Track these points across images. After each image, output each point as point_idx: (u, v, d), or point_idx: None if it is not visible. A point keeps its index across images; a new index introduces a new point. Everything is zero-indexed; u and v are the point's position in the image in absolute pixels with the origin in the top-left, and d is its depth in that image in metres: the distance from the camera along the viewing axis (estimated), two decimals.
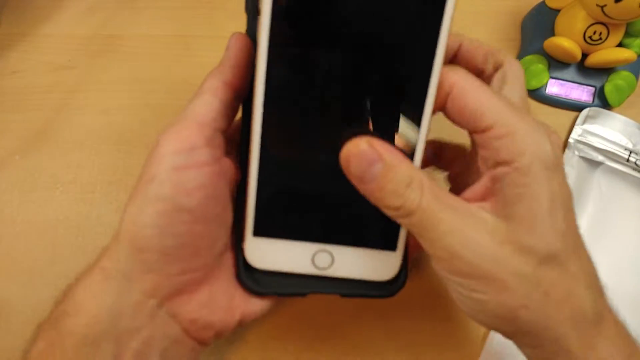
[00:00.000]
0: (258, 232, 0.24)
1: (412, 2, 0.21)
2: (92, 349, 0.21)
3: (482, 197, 0.22)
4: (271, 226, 0.24)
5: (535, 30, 0.41)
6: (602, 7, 0.34)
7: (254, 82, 0.21)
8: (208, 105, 0.23)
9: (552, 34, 0.39)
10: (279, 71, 0.21)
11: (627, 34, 0.37)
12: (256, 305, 0.25)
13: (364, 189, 0.22)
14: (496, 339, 0.31)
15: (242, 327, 0.26)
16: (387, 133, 0.22)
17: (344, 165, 0.22)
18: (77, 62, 0.40)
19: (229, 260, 0.25)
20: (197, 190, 0.22)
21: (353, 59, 0.21)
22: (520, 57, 0.40)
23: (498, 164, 0.21)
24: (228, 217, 0.24)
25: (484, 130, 0.21)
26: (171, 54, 0.40)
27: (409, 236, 0.25)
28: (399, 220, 0.22)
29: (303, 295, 0.25)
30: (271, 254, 0.24)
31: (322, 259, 0.24)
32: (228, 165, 0.24)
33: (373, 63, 0.21)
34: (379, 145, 0.21)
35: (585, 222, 0.35)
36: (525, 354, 0.23)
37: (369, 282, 0.25)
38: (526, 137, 0.20)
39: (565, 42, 0.37)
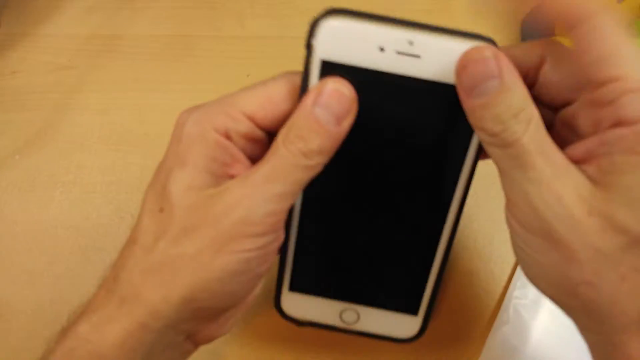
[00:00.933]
0: (293, 287, 0.27)
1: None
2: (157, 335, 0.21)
3: (583, 159, 0.19)
4: (305, 284, 0.27)
5: (535, 30, 0.40)
6: None
7: None
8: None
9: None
10: None
11: None
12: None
13: (468, 103, 0.19)
14: (497, 338, 0.31)
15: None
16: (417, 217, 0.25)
17: (459, 69, 0.20)
18: (77, 62, 0.40)
19: None
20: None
21: (388, 150, 0.23)
22: None
23: (618, 123, 0.18)
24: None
25: (609, 81, 0.18)
26: (171, 54, 0.40)
27: None
28: (489, 148, 0.20)
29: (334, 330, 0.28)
30: (304, 306, 0.27)
31: (349, 316, 0.27)
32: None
33: (406, 155, 0.23)
34: (504, 60, 0.19)
35: None
36: (586, 340, 0.21)
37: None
38: None
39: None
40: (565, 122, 0.21)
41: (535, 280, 0.21)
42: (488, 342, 0.32)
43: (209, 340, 0.24)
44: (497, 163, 0.20)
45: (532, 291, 0.32)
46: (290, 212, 0.24)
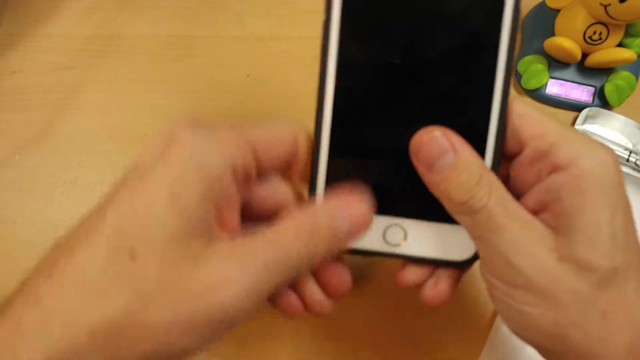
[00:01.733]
0: None
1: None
2: None
3: (539, 209, 0.21)
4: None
5: (535, 30, 0.41)
6: (605, 6, 0.34)
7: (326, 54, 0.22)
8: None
9: (552, 34, 0.39)
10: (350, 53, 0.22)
11: (627, 34, 0.37)
12: None
13: (430, 179, 0.21)
14: (498, 338, 0.31)
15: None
16: (458, 129, 0.21)
17: (413, 151, 0.21)
18: (77, 62, 0.40)
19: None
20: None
21: (421, 57, 0.22)
22: (520, 57, 0.40)
23: (554, 169, 0.20)
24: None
25: (539, 137, 0.20)
26: (171, 54, 0.40)
27: None
28: (458, 217, 0.21)
29: (373, 255, 0.24)
30: None
31: (394, 235, 0.23)
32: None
33: (440, 61, 0.22)
34: (453, 136, 0.20)
35: None
36: None
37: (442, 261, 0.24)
38: (584, 144, 0.20)
39: (566, 42, 0.37)
40: (516, 173, 0.22)
41: (525, 332, 0.21)
42: (489, 342, 0.32)
43: None
44: (468, 229, 0.21)
45: None
46: (321, 110, 0.22)
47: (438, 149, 0.20)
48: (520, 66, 0.39)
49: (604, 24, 0.36)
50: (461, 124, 0.21)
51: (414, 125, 0.21)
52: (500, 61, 0.21)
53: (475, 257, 0.23)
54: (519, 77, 0.39)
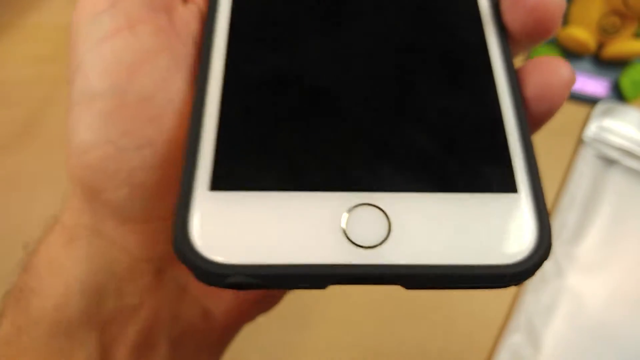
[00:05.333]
0: (220, 181, 0.13)
1: None
2: (67, 341, 0.15)
3: None
4: (244, 169, 0.13)
5: None
6: None
7: None
8: None
9: (565, 22, 0.37)
10: None
11: None
12: None
13: None
14: (508, 347, 0.30)
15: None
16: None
17: None
18: (62, 53, 0.38)
19: None
20: (144, 64, 0.14)
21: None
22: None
23: None
24: None
25: None
26: None
27: None
28: None
29: (322, 287, 0.13)
30: (247, 225, 0.12)
31: (365, 226, 0.12)
32: (187, 16, 0.16)
33: None
34: None
35: (600, 225, 0.33)
36: None
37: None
38: None
39: (579, 33, 0.35)
40: None
41: None
42: (498, 351, 0.30)
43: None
44: None
45: (544, 297, 0.31)
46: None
47: None
48: (532, 53, 0.37)
49: (619, 14, 0.34)
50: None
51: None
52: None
53: (537, 254, 0.12)
54: None
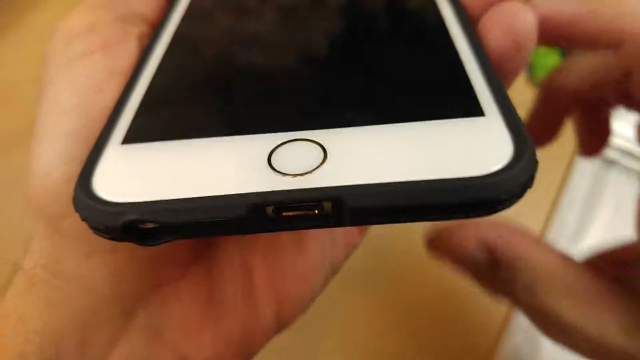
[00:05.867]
0: (130, 137, 0.13)
1: None
2: None
3: None
4: (159, 123, 0.13)
5: None
6: None
7: None
8: None
9: None
10: None
11: None
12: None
13: None
14: (508, 348, 0.30)
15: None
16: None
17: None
18: None
19: None
20: (111, 82, 0.14)
21: None
22: None
23: None
24: None
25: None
26: None
27: None
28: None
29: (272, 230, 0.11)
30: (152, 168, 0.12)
31: (295, 159, 0.11)
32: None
33: None
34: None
35: (600, 225, 0.33)
36: None
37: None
38: None
39: None
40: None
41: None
42: (498, 352, 0.30)
43: None
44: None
45: None
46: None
47: None
48: (532, 58, 0.37)
49: None
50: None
51: None
52: None
53: (518, 162, 0.11)
54: (529, 71, 0.38)
